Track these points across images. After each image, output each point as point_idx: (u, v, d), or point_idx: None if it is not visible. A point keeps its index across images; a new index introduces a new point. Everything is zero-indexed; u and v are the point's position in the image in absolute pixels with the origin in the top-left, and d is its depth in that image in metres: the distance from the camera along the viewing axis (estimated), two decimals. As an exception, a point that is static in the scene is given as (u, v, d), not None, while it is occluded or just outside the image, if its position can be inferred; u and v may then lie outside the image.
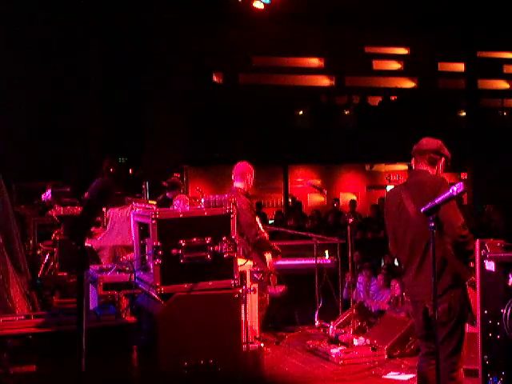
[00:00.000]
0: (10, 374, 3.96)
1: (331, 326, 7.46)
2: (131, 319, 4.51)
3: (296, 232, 9.31)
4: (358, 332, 7.38)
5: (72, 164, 14.18)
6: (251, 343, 5.85)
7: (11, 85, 13.26)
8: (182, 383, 4.37)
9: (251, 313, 5.99)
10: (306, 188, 18.45)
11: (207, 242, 4.51)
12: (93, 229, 7.36)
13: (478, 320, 5.12)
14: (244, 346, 5.10)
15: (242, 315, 5.04)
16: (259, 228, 7.03)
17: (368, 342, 7.06)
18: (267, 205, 18.79)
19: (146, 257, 4.77)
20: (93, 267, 5.65)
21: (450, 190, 4.17)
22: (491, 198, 15.46)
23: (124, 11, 15.17)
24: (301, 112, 19.16)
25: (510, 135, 18.89)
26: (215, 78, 19.59)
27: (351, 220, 7.68)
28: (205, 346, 4.44)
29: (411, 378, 6.05)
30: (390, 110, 19.63)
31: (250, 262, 5.94)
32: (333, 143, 18.21)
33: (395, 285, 8.39)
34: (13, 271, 5.81)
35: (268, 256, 6.95)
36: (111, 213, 7.31)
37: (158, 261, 4.45)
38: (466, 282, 4.54)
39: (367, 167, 21.33)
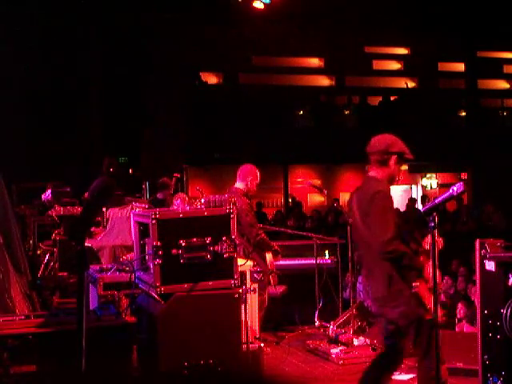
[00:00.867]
0: (9, 374, 3.96)
1: (331, 326, 7.46)
2: (131, 319, 4.51)
3: (296, 232, 9.30)
4: (358, 332, 7.38)
5: (72, 164, 14.17)
6: (251, 343, 5.85)
7: (11, 85, 13.27)
8: (182, 383, 4.37)
9: (251, 313, 5.99)
10: (306, 188, 18.45)
11: (207, 242, 4.51)
12: (93, 229, 7.37)
13: (478, 320, 5.13)
14: (244, 346, 5.10)
15: (242, 315, 5.04)
16: (260, 228, 7.04)
17: (368, 342, 7.06)
18: (267, 205, 18.79)
19: (146, 257, 4.77)
20: (93, 267, 5.65)
21: (450, 190, 4.17)
22: (491, 198, 15.47)
23: (124, 11, 15.18)
24: (301, 112, 19.15)
25: (510, 135, 18.89)
26: (215, 78, 19.60)
27: (351, 220, 7.67)
28: (205, 346, 4.44)
29: (411, 378, 6.06)
30: (390, 110, 19.63)
31: (250, 262, 5.93)
32: (333, 143, 18.21)
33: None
34: (13, 271, 5.82)
35: (268, 256, 6.95)
36: (111, 213, 7.31)
37: (158, 261, 4.44)
38: (413, 284, 4.43)
39: (367, 167, 21.31)
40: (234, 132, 17.35)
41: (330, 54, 19.82)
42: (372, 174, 4.63)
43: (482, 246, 5.05)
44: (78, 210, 8.11)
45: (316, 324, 8.02)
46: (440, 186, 20.82)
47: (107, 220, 7.40)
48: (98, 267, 5.70)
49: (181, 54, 16.99)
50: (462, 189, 4.17)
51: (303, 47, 19.09)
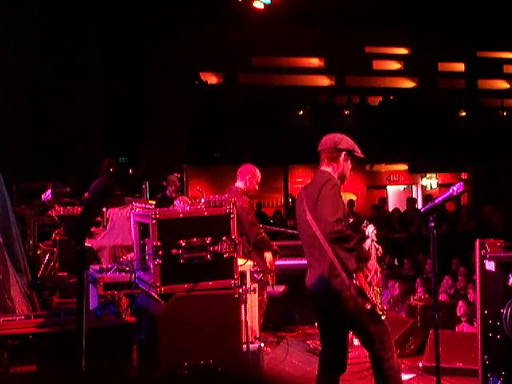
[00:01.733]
0: (9, 374, 3.96)
1: (331, 326, 7.45)
2: (131, 319, 4.51)
3: (296, 232, 9.28)
4: (358, 332, 7.38)
5: (72, 164, 14.17)
6: (251, 343, 5.85)
7: (11, 85, 13.26)
8: (182, 383, 4.37)
9: (251, 313, 5.99)
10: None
11: (207, 242, 4.51)
12: (93, 229, 7.37)
13: (478, 320, 5.13)
14: (244, 346, 5.10)
15: (242, 315, 5.04)
16: (261, 227, 7.04)
17: (368, 342, 7.06)
18: (267, 205, 18.80)
19: (146, 257, 4.77)
20: (93, 267, 5.65)
21: (450, 190, 4.18)
22: (491, 198, 15.47)
23: (124, 11, 15.18)
24: (301, 112, 19.16)
25: (510, 135, 18.89)
26: (215, 78, 19.60)
27: (351, 220, 7.67)
28: (205, 346, 4.44)
29: (411, 378, 6.06)
30: (390, 110, 19.63)
31: (249, 262, 5.94)
32: (333, 143, 18.18)
33: (395, 285, 8.39)
34: (13, 271, 5.82)
35: (268, 255, 6.95)
36: (111, 213, 7.31)
37: (158, 261, 4.44)
38: (354, 274, 4.42)
39: (367, 167, 21.33)
40: (234, 132, 17.35)
41: (330, 54, 19.83)
42: (323, 168, 4.69)
43: (482, 246, 5.05)
44: (78, 210, 8.12)
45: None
46: (440, 185, 20.83)
47: (107, 220, 7.40)
48: (97, 267, 5.70)
49: (181, 53, 17.00)
50: (461, 189, 4.18)
51: (303, 47, 19.09)
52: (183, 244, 4.47)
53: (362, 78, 20.36)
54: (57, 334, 4.12)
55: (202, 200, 4.89)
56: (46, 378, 3.96)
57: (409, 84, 21.10)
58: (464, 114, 20.71)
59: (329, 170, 4.66)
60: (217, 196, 4.83)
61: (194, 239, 4.50)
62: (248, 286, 5.93)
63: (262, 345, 6.23)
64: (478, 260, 5.08)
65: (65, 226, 8.09)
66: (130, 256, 5.85)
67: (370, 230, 4.64)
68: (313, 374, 6.58)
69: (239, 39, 18.16)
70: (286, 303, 7.83)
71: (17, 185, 10.39)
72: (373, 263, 4.51)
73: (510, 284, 4.98)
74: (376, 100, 20.13)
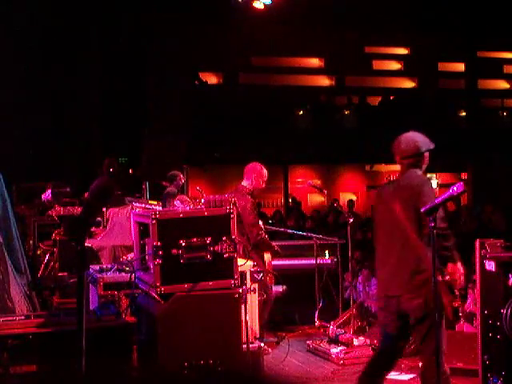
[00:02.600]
0: (9, 374, 3.96)
1: (331, 326, 7.46)
2: (131, 319, 4.51)
3: (296, 232, 9.30)
4: (358, 332, 7.39)
5: (72, 164, 14.17)
6: (251, 343, 5.85)
7: (11, 85, 13.26)
8: (182, 383, 4.36)
9: (251, 313, 5.99)
10: (306, 188, 18.46)
11: (207, 241, 4.51)
12: (93, 229, 7.36)
13: (478, 320, 5.13)
14: (244, 346, 5.10)
15: (242, 315, 5.04)
16: (261, 228, 7.04)
17: (368, 342, 7.06)
18: (267, 205, 18.79)
19: (146, 257, 4.77)
20: (93, 267, 5.65)
21: (450, 190, 4.18)
22: (491, 197, 15.47)
23: (124, 11, 15.17)
24: (301, 112, 19.15)
25: (510, 135, 18.89)
26: (215, 78, 19.59)
27: (351, 220, 7.68)
28: (205, 346, 4.44)
29: (411, 378, 6.06)
30: (390, 110, 19.62)
31: (249, 262, 5.94)
32: (333, 143, 18.21)
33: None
34: (13, 271, 5.81)
35: (266, 256, 6.95)
36: (111, 213, 7.32)
37: (158, 261, 4.44)
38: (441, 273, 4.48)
39: (367, 167, 21.33)
40: (234, 132, 17.35)
41: (330, 54, 19.81)
42: (412, 169, 4.75)
43: (482, 246, 5.05)
44: (78, 210, 8.11)
45: (316, 324, 8.02)
46: (440, 185, 20.83)
47: (107, 220, 7.40)
48: (97, 267, 5.70)
49: (181, 54, 16.98)
50: (461, 189, 4.18)
51: (303, 47, 19.08)
52: (183, 244, 4.47)
53: (362, 78, 20.35)
54: (57, 333, 4.12)
55: (202, 200, 4.89)
56: (46, 378, 3.96)
57: (409, 84, 21.09)
58: (464, 113, 20.70)
59: (418, 172, 4.75)
60: (217, 196, 4.83)
61: (194, 239, 4.50)
62: (248, 286, 5.93)
63: (262, 345, 6.23)
64: (478, 260, 5.08)
65: (65, 226, 8.09)
66: (130, 256, 5.85)
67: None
68: (313, 374, 6.60)
69: (239, 39, 18.15)
70: (285, 303, 7.83)
71: (17, 185, 10.38)
72: (459, 266, 4.60)
73: (510, 284, 4.98)
74: (376, 100, 20.12)
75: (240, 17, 15.09)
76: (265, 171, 7.21)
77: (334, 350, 6.99)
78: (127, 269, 5.25)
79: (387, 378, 6.33)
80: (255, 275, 6.23)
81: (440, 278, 4.48)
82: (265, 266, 6.91)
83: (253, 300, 6.16)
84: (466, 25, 18.50)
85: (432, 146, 4.84)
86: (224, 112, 17.59)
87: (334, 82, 20.46)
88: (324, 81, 20.59)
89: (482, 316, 5.07)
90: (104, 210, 7.37)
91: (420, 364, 4.79)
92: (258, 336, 6.34)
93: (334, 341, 7.23)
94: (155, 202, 7.83)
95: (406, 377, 6.18)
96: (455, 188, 4.17)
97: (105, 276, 5.37)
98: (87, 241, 6.50)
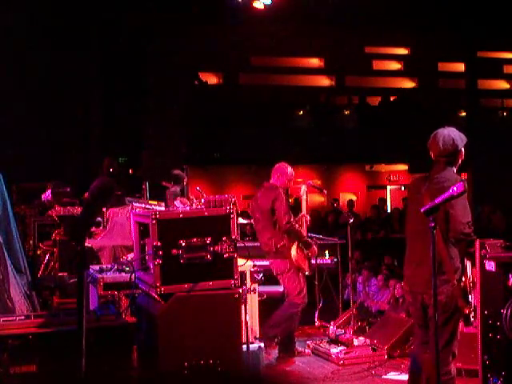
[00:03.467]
0: (10, 374, 3.96)
1: (331, 326, 7.46)
2: (131, 319, 4.52)
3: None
4: (358, 332, 7.38)
5: (72, 164, 14.17)
6: (251, 343, 5.85)
7: (11, 85, 13.26)
8: (182, 383, 4.37)
9: (251, 313, 5.99)
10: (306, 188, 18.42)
11: (207, 241, 4.51)
12: (93, 229, 7.37)
13: (478, 320, 5.13)
14: (244, 346, 5.10)
15: (242, 315, 5.04)
16: (292, 218, 7.05)
17: (368, 341, 7.06)
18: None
19: (146, 257, 4.77)
20: (93, 267, 5.65)
21: (450, 190, 4.18)
22: (491, 197, 15.46)
23: (124, 11, 15.17)
24: (301, 112, 19.14)
25: (510, 135, 18.88)
26: (215, 78, 19.59)
27: (351, 220, 7.68)
28: (205, 346, 4.44)
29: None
30: (390, 110, 19.62)
31: (250, 262, 5.93)
32: (333, 143, 18.20)
33: (395, 285, 8.39)
34: (13, 271, 5.81)
35: (293, 250, 6.92)
36: (111, 213, 7.31)
37: (158, 261, 4.44)
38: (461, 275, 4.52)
39: (367, 167, 21.32)
40: (234, 132, 17.34)
41: (330, 54, 19.81)
42: (449, 167, 4.77)
43: (482, 246, 5.05)
44: (78, 210, 8.12)
45: (316, 324, 8.02)
46: (440, 186, 20.79)
47: (107, 220, 7.40)
48: (98, 267, 5.70)
49: (181, 54, 16.98)
50: (462, 189, 4.17)
51: (303, 47, 19.07)
52: (183, 244, 4.47)
53: (362, 78, 20.35)
54: (57, 333, 4.12)
55: (202, 200, 4.89)
56: (46, 378, 3.96)
57: (409, 84, 21.08)
58: (464, 114, 20.70)
59: (454, 170, 4.79)
60: (217, 196, 4.83)
61: (194, 239, 4.50)
62: (248, 286, 5.93)
63: (262, 345, 6.23)
64: (478, 260, 5.08)
65: (65, 226, 8.10)
66: (130, 256, 5.85)
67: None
68: (313, 374, 6.60)
69: (239, 39, 18.14)
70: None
71: (17, 185, 10.38)
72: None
73: (510, 284, 4.98)
74: (376, 100, 20.11)
75: (240, 17, 15.08)
76: (290, 170, 7.41)
77: (334, 349, 6.99)
78: (127, 269, 5.26)
79: (387, 378, 6.35)
80: (255, 275, 6.23)
81: (455, 282, 4.51)
82: (292, 263, 6.89)
83: (253, 300, 6.17)
84: (466, 25, 18.48)
85: (466, 140, 4.87)
86: (224, 112, 17.58)
87: (334, 82, 20.46)
88: (324, 81, 20.59)
89: (482, 316, 5.06)
90: (104, 210, 7.37)
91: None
92: (257, 336, 6.34)
93: (334, 341, 7.23)
94: (155, 202, 7.82)
95: (406, 377, 6.17)
96: (455, 188, 4.17)
97: (105, 276, 5.37)
98: (87, 241, 6.51)
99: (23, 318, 4.35)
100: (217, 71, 19.41)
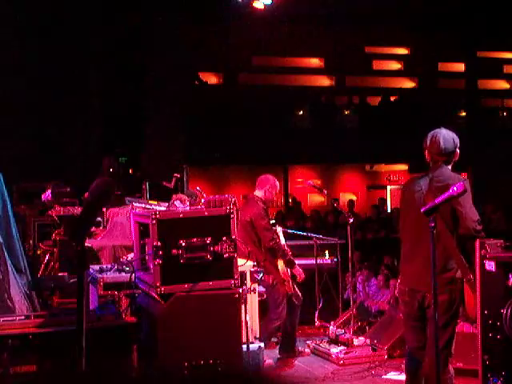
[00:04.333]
0: (10, 374, 3.96)
1: (331, 326, 7.47)
2: (131, 319, 4.51)
3: (296, 232, 9.30)
4: (358, 332, 7.39)
5: (72, 164, 14.17)
6: (251, 343, 5.85)
7: (11, 85, 13.26)
8: (182, 383, 4.36)
9: (251, 313, 5.99)
10: (306, 188, 18.46)
11: (207, 242, 4.50)
12: (93, 229, 7.36)
13: (478, 320, 5.13)
14: (244, 346, 5.10)
15: (242, 315, 5.04)
16: (274, 233, 7.00)
17: (368, 341, 7.07)
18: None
19: (146, 257, 4.77)
20: (93, 267, 5.64)
21: (450, 190, 4.17)
22: (491, 197, 15.46)
23: (124, 11, 15.17)
24: (301, 112, 19.16)
25: (510, 135, 18.89)
26: (215, 78, 19.59)
27: (351, 220, 7.69)
28: (205, 346, 4.44)
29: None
30: (390, 110, 19.63)
31: (250, 262, 5.93)
32: (333, 143, 18.21)
33: (395, 285, 8.38)
34: (13, 271, 5.81)
35: (280, 264, 6.92)
36: (111, 213, 7.31)
37: (158, 261, 4.44)
38: (464, 279, 4.56)
39: (367, 167, 21.33)
40: (234, 132, 17.35)
41: (330, 54, 19.82)
42: (446, 165, 4.75)
43: (482, 246, 5.05)
44: (78, 210, 8.11)
45: (316, 324, 8.03)
46: (440, 185, 20.80)
47: (107, 220, 7.40)
48: (98, 267, 5.70)
49: (180, 54, 16.99)
50: (462, 189, 4.17)
51: (303, 47, 19.08)
52: (183, 244, 4.47)
53: (361, 78, 20.36)
54: (57, 333, 4.12)
55: (202, 200, 4.89)
56: (46, 378, 3.96)
57: (409, 84, 21.09)
58: (464, 113, 20.70)
59: (449, 168, 4.77)
60: (217, 196, 4.83)
61: (194, 239, 4.50)
62: (248, 285, 5.93)
63: (262, 345, 6.23)
64: (478, 260, 5.08)
65: (65, 226, 8.09)
66: (130, 256, 5.85)
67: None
68: (313, 374, 6.60)
69: (239, 39, 18.15)
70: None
71: (17, 185, 10.38)
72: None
73: (510, 284, 4.98)
74: (376, 100, 20.12)
75: (240, 17, 15.09)
76: (277, 183, 7.28)
77: (334, 349, 6.99)
78: (127, 269, 5.25)
79: (387, 378, 6.36)
80: (255, 275, 6.23)
81: (471, 277, 4.54)
82: (280, 276, 6.88)
83: (253, 300, 6.17)
84: (466, 25, 18.49)
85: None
86: (224, 112, 17.59)
87: (334, 82, 20.46)
88: (324, 81, 20.59)
89: (482, 316, 5.06)
90: (104, 210, 7.36)
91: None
92: (257, 336, 6.34)
93: (334, 341, 7.24)
94: (155, 202, 7.82)
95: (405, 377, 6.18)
96: (455, 188, 4.17)
97: (105, 276, 5.36)
98: (87, 241, 6.50)
99: (23, 317, 4.34)
100: (217, 71, 19.42)
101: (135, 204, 7.22)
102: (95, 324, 4.15)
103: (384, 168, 21.34)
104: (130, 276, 4.77)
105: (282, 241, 7.20)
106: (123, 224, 7.04)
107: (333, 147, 18.23)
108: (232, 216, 4.58)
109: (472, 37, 19.41)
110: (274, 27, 17.34)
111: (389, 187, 21.48)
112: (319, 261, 8.27)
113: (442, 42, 19.47)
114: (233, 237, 4.56)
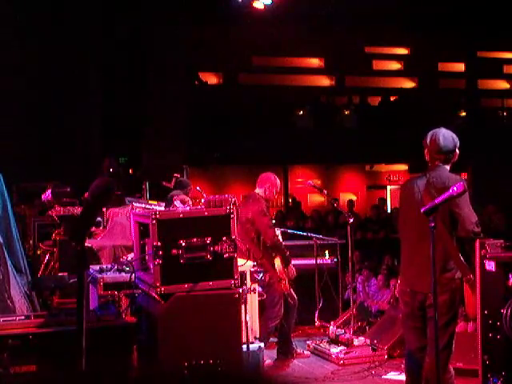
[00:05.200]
0: (10, 374, 3.96)
1: (331, 326, 7.47)
2: (131, 319, 4.51)
3: (296, 232, 9.30)
4: (358, 332, 7.39)
5: (72, 164, 14.17)
6: (251, 343, 5.85)
7: (11, 85, 13.26)
8: (182, 383, 4.36)
9: (251, 313, 5.99)
10: (306, 188, 18.45)
11: (207, 241, 4.50)
12: (93, 229, 7.36)
13: (478, 320, 5.13)
14: (244, 346, 5.10)
15: (242, 315, 5.04)
16: (275, 231, 7.01)
17: (368, 342, 7.07)
18: (267, 205, 18.74)
19: (146, 257, 4.77)
20: (93, 267, 5.64)
21: (450, 190, 4.18)
22: (491, 197, 15.46)
23: (124, 11, 15.17)
24: (301, 112, 19.15)
25: (510, 135, 18.88)
26: (215, 78, 19.59)
27: (351, 220, 7.69)
28: (205, 346, 4.44)
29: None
30: (390, 110, 19.62)
31: (250, 262, 5.93)
32: (333, 143, 18.20)
33: (395, 285, 8.39)
34: (13, 271, 5.81)
35: (277, 262, 6.92)
36: (111, 213, 7.31)
37: (158, 261, 4.44)
38: (464, 279, 4.55)
39: (367, 167, 21.32)
40: (234, 132, 17.35)
41: (330, 54, 19.82)
42: (444, 165, 4.73)
43: (482, 246, 5.05)
44: (78, 210, 8.11)
45: (316, 324, 8.03)
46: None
47: (107, 220, 7.40)
48: (98, 267, 5.70)
49: (180, 54, 16.99)
50: (462, 189, 4.18)
51: (303, 47, 19.08)
52: (183, 244, 4.47)
53: (361, 78, 20.36)
54: (57, 333, 4.12)
55: (202, 200, 4.89)
56: (46, 378, 3.95)
57: (409, 84, 21.09)
58: (464, 114, 20.70)
59: (448, 168, 4.75)
60: (217, 196, 4.83)
61: (194, 239, 4.50)
62: (248, 285, 5.93)
63: (262, 345, 6.23)
64: (478, 260, 5.08)
65: (65, 226, 8.09)
66: (130, 256, 5.85)
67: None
68: (313, 374, 6.60)
69: (239, 39, 18.15)
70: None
71: (17, 185, 10.38)
72: None
73: (510, 284, 4.98)
74: (376, 100, 20.12)
75: (240, 17, 15.09)
76: (278, 182, 7.30)
77: (334, 349, 6.99)
78: (127, 269, 5.25)
79: (387, 378, 6.36)
80: (255, 275, 6.23)
81: (471, 277, 4.54)
82: (276, 274, 6.89)
83: (253, 300, 6.17)
84: (466, 25, 18.49)
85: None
86: (224, 112, 17.59)
87: (334, 82, 20.47)
88: (324, 81, 20.59)
89: (482, 316, 5.06)
90: (104, 209, 7.36)
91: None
92: (257, 336, 6.34)
93: (334, 341, 7.24)
94: (155, 202, 7.82)
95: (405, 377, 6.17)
96: (455, 188, 4.17)
97: (105, 276, 5.36)
98: (87, 241, 6.50)
99: (23, 317, 4.34)
100: (217, 71, 19.42)
101: (135, 204, 7.22)
102: (95, 324, 4.15)
103: (384, 168, 21.34)
104: (130, 276, 4.77)
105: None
106: (123, 224, 7.04)
107: (333, 147, 18.22)
108: (232, 216, 4.58)
109: (472, 37, 19.41)
110: (273, 27, 17.34)
111: (389, 187, 21.48)
112: (319, 261, 8.27)
113: (442, 42, 19.46)
114: (233, 237, 4.56)
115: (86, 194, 8.08)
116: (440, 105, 19.61)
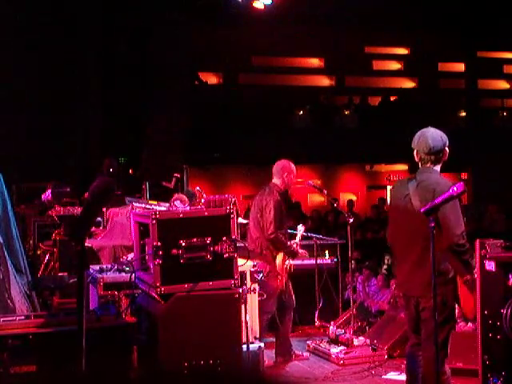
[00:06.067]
0: (10, 374, 3.96)
1: (331, 326, 7.46)
2: (131, 319, 4.51)
3: (296, 232, 9.27)
4: (358, 332, 7.39)
5: (72, 164, 14.16)
6: (251, 343, 5.85)
7: (11, 85, 13.26)
8: (182, 383, 4.36)
9: (251, 313, 5.99)
10: (306, 188, 18.43)
11: (207, 241, 4.50)
12: (93, 229, 7.36)
13: (478, 320, 5.13)
14: (244, 346, 5.10)
15: (242, 315, 5.04)
16: (278, 228, 6.93)
17: (368, 342, 7.06)
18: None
19: (146, 257, 4.77)
20: (93, 267, 5.64)
21: (450, 190, 4.17)
22: (491, 198, 15.47)
23: (124, 11, 15.17)
24: (301, 112, 19.15)
25: (510, 135, 18.88)
26: (215, 78, 19.59)
27: (351, 220, 7.68)
28: (205, 346, 4.44)
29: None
30: (390, 110, 19.63)
31: (250, 262, 5.93)
32: (333, 143, 18.20)
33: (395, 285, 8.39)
34: (13, 271, 5.82)
35: (278, 257, 6.90)
36: (111, 213, 7.31)
37: (158, 261, 4.44)
38: (462, 280, 4.52)
39: (367, 167, 21.32)
40: (234, 132, 17.35)
41: (330, 54, 19.82)
42: (433, 167, 4.65)
43: (482, 246, 5.05)
44: (78, 210, 8.11)
45: (316, 324, 8.02)
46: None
47: (107, 220, 7.40)
48: (98, 267, 5.70)
49: (181, 53, 16.98)
50: (462, 189, 4.17)
51: (303, 47, 19.08)
52: (183, 244, 4.47)
53: (362, 78, 20.36)
54: (57, 334, 4.12)
55: (202, 200, 4.89)
56: (46, 378, 3.95)
57: (409, 84, 21.09)
58: (464, 114, 20.70)
59: (437, 170, 4.65)
60: (217, 196, 4.83)
61: (194, 239, 4.50)
62: (248, 285, 5.93)
63: (262, 345, 6.23)
64: (478, 260, 5.08)
65: (65, 226, 8.09)
66: (130, 256, 5.85)
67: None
68: (313, 374, 6.60)
69: (239, 39, 18.15)
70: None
71: (17, 185, 10.38)
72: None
73: (510, 284, 4.98)
74: (376, 100, 20.12)
75: (240, 17, 15.08)
76: (293, 167, 7.23)
77: (334, 349, 6.99)
78: (127, 269, 5.25)
79: (387, 378, 6.36)
80: (255, 275, 6.23)
81: (468, 278, 4.51)
82: (275, 268, 6.87)
83: (253, 300, 6.16)
84: (466, 25, 18.50)
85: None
86: (224, 112, 17.59)
87: (334, 82, 20.47)
88: (324, 81, 20.59)
89: (482, 316, 5.06)
90: (104, 209, 7.36)
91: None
92: (257, 336, 6.34)
93: (334, 341, 7.23)
94: (155, 202, 7.82)
95: (405, 377, 6.18)
96: (455, 188, 4.17)
97: (105, 276, 5.36)
98: (87, 241, 6.50)
99: (23, 317, 4.34)
100: (217, 71, 19.42)
101: (135, 204, 7.22)
102: (95, 324, 4.15)
103: (384, 168, 21.33)
104: (130, 276, 4.77)
105: (297, 240, 7.18)
106: (123, 224, 7.04)
107: (333, 147, 18.22)
108: (232, 216, 4.58)
109: (472, 37, 19.41)
110: (273, 27, 17.34)
111: (389, 187, 21.44)
112: (319, 261, 8.27)
113: (442, 42, 19.47)
114: (233, 237, 4.56)
115: (86, 194, 8.11)
116: (440, 105, 19.61)
